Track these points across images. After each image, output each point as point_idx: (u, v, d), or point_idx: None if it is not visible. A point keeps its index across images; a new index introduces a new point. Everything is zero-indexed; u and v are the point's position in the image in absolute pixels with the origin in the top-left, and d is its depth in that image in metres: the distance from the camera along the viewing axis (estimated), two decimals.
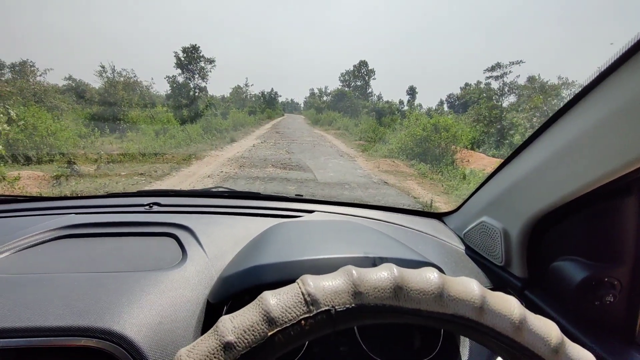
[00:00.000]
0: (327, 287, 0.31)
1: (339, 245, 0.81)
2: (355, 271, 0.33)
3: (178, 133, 12.39)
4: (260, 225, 1.02)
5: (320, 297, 0.30)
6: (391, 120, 20.61)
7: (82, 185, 6.12)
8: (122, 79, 18.05)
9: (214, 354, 0.28)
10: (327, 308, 0.30)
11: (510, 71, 18.93)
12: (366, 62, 47.49)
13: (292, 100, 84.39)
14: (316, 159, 9.91)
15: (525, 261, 0.79)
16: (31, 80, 16.08)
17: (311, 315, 0.30)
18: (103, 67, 18.09)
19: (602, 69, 0.54)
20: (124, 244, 0.90)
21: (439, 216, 1.25)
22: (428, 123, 10.95)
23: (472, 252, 1.00)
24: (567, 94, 15.67)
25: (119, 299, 0.64)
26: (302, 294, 0.31)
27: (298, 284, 0.32)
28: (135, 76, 18.64)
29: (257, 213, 1.16)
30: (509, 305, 0.32)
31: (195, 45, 25.45)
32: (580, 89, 0.59)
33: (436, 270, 0.34)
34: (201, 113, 18.37)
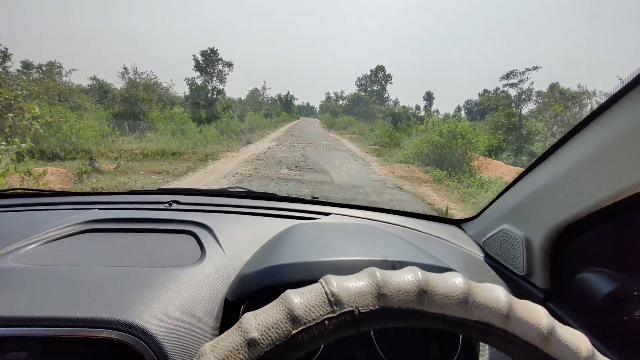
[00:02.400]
0: (351, 287, 0.31)
1: (357, 248, 0.80)
2: (379, 273, 0.32)
3: (195, 134, 12.60)
4: (277, 225, 1.03)
5: (344, 298, 0.30)
6: (407, 126, 20.44)
7: (102, 182, 6.28)
8: (143, 80, 18.49)
9: (238, 349, 0.28)
10: (350, 309, 0.30)
11: (527, 78, 18.49)
12: (383, 67, 47.42)
13: (307, 103, 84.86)
14: (331, 163, 9.91)
15: (548, 271, 0.77)
16: (57, 80, 16.67)
17: (335, 315, 0.29)
18: (125, 68, 18.60)
19: (635, 75, 0.52)
20: (144, 240, 0.92)
21: (457, 222, 1.23)
22: (445, 129, 10.81)
23: (491, 260, 0.98)
24: (588, 102, 15.23)
25: (141, 294, 0.66)
26: (326, 293, 0.31)
27: (321, 283, 0.32)
28: (155, 77, 19.08)
29: (274, 214, 1.17)
30: (536, 314, 0.31)
31: (214, 48, 25.83)
32: (609, 97, 0.58)
33: (461, 275, 0.33)
34: (218, 115, 18.65)
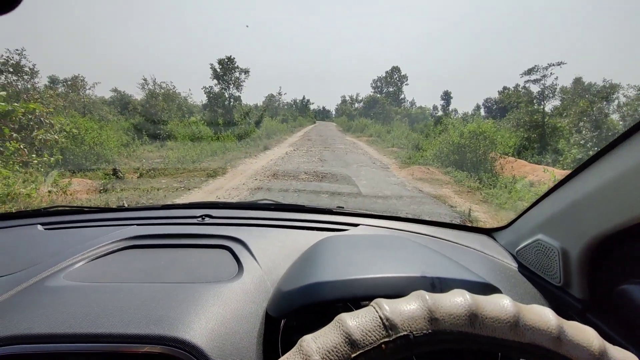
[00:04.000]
0: (404, 312, 0.32)
1: (394, 263, 0.80)
2: (428, 297, 0.33)
3: (213, 142, 12.81)
4: (308, 238, 1.04)
5: (398, 322, 0.31)
6: (424, 126, 20.16)
7: (126, 193, 6.45)
8: (162, 90, 18.98)
9: None
10: (405, 333, 0.31)
11: (550, 73, 17.84)
12: (399, 68, 47.12)
13: (323, 107, 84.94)
14: (348, 167, 9.86)
15: (586, 282, 0.77)
16: (81, 93, 17.33)
17: (391, 339, 0.31)
18: (145, 79, 19.15)
19: None
20: (182, 256, 0.96)
21: (488, 232, 1.21)
22: (466, 130, 10.58)
23: (526, 271, 0.96)
24: (615, 97, 14.57)
25: (187, 310, 0.69)
26: (380, 318, 0.32)
27: (374, 307, 0.33)
28: (174, 87, 19.54)
29: (304, 226, 1.18)
30: (587, 335, 0.32)
31: (231, 56, 26.32)
32: None
33: (509, 297, 0.34)
34: (236, 122, 18.92)
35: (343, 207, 1.38)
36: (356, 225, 1.21)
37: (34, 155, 6.67)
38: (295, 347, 0.32)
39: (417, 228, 1.21)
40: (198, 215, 1.23)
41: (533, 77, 18.23)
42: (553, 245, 0.83)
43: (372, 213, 1.32)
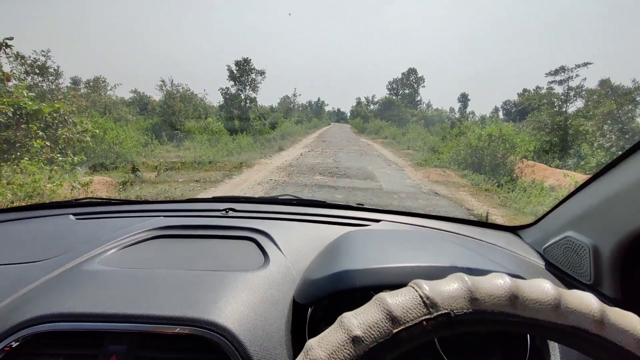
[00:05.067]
0: (444, 291, 0.33)
1: (422, 254, 0.80)
2: (467, 278, 0.34)
3: (229, 142, 12.95)
4: (330, 232, 1.06)
5: (438, 301, 0.32)
6: (440, 129, 19.88)
7: (145, 190, 6.58)
8: (179, 91, 19.32)
9: (343, 345, 0.30)
10: (446, 311, 0.32)
11: (576, 74, 17.25)
12: (415, 70, 46.70)
13: (338, 109, 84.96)
14: (364, 168, 9.82)
15: (618, 281, 0.75)
16: (102, 94, 17.82)
17: (432, 317, 0.31)
18: (163, 81, 19.56)
19: None
20: (209, 245, 0.99)
21: (513, 229, 1.19)
22: (484, 133, 10.38)
23: (554, 269, 0.95)
24: None
25: (218, 295, 0.72)
26: (421, 296, 0.32)
27: (413, 287, 0.34)
28: (189, 89, 19.87)
29: (326, 221, 1.19)
30: (630, 321, 0.31)
31: (247, 58, 26.57)
32: None
33: (549, 281, 0.34)
34: (251, 123, 19.09)
35: (363, 204, 1.38)
36: (378, 220, 1.21)
37: (58, 155, 6.89)
38: (335, 323, 0.33)
39: (440, 225, 1.20)
40: (222, 208, 1.25)
41: (558, 77, 17.70)
42: (583, 242, 0.81)
43: (394, 209, 1.32)
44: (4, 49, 6.29)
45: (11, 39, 6.29)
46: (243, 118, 20.99)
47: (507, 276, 0.34)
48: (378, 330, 0.31)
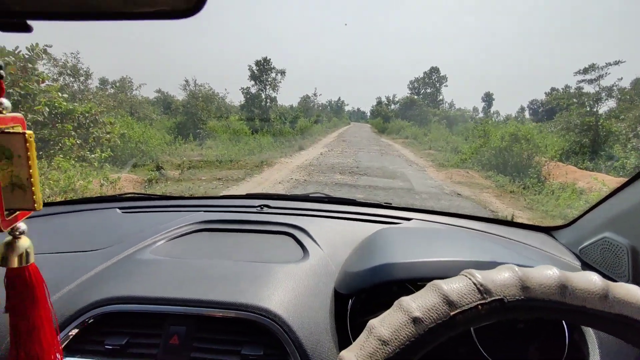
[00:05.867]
0: (496, 279, 0.35)
1: (460, 250, 0.81)
2: (517, 268, 0.36)
3: (250, 141, 13.11)
4: (364, 228, 1.08)
5: (491, 288, 0.34)
6: (463, 129, 19.44)
7: (169, 188, 6.75)
8: (202, 91, 19.69)
9: (405, 325, 0.33)
10: (500, 297, 0.34)
11: (607, 73, 16.43)
12: (438, 69, 45.80)
13: (358, 109, 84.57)
14: (384, 168, 9.72)
15: None
16: (128, 94, 18.40)
17: (486, 302, 0.34)
18: (187, 81, 19.99)
19: None
20: (248, 239, 1.04)
21: (547, 230, 1.18)
22: (506, 133, 10.07)
23: (590, 269, 0.90)
24: None
25: (264, 284, 0.77)
26: (474, 284, 0.35)
27: (466, 275, 0.36)
28: (212, 89, 20.22)
29: (357, 218, 1.21)
30: None
31: (267, 58, 26.85)
32: None
33: (596, 273, 0.36)
34: (272, 122, 19.26)
35: (391, 203, 1.39)
36: (409, 219, 1.22)
37: (88, 152, 7.18)
38: (394, 306, 0.35)
39: (472, 224, 1.20)
40: (256, 205, 1.29)
41: (588, 76, 16.93)
42: (621, 243, 0.82)
43: (424, 208, 1.33)
44: (43, 55, 6.60)
45: (50, 46, 6.61)
46: (263, 117, 21.18)
47: (554, 267, 0.36)
48: (436, 313, 0.33)
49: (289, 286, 0.78)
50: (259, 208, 1.27)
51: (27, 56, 6.23)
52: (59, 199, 4.62)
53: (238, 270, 0.82)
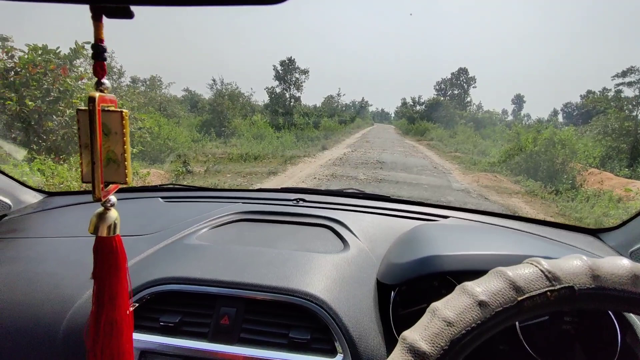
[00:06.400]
0: (565, 267, 0.35)
1: (507, 245, 0.80)
2: (586, 257, 0.36)
3: (273, 140, 13.26)
4: (401, 224, 1.09)
5: (560, 275, 0.34)
6: (492, 132, 18.88)
7: (196, 184, 6.92)
8: (228, 90, 20.10)
9: (470, 308, 0.33)
10: (569, 285, 0.33)
11: None
12: (466, 69, 44.69)
13: (382, 110, 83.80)
14: (408, 170, 9.59)
15: None
16: (158, 92, 19.02)
17: (555, 288, 0.33)
18: (214, 80, 20.49)
19: None
20: (288, 230, 1.06)
21: (593, 232, 1.14)
22: (540, 136, 9.70)
23: None
24: None
25: (309, 272, 0.79)
26: (542, 271, 0.35)
27: (532, 263, 0.36)
28: (237, 87, 20.61)
29: (393, 214, 1.21)
30: None
31: (292, 58, 27.09)
32: None
33: None
34: (295, 122, 19.41)
35: (423, 202, 1.38)
36: (446, 217, 1.20)
37: None
38: (457, 290, 0.36)
39: (512, 223, 1.17)
40: (292, 198, 1.31)
41: (628, 79, 16.08)
42: None
43: (461, 206, 1.31)
44: (81, 52, 6.93)
45: (88, 43, 6.92)
46: (287, 117, 21.38)
47: (624, 258, 0.36)
48: (503, 297, 0.33)
49: (333, 275, 0.79)
50: (294, 201, 1.29)
51: (67, 54, 6.54)
52: None
53: (282, 257, 0.85)
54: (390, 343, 0.68)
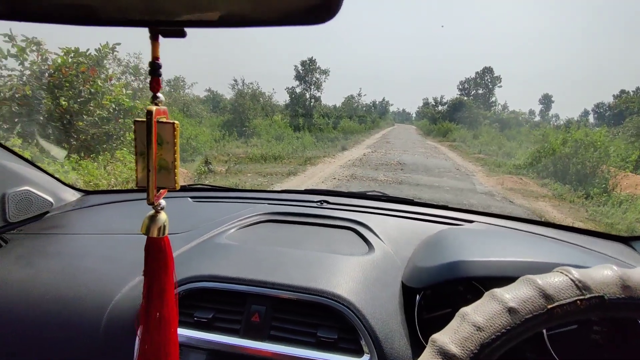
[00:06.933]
0: (595, 277, 0.35)
1: (537, 252, 0.79)
2: (616, 267, 0.36)
3: (293, 140, 13.35)
4: (425, 228, 1.09)
5: (590, 284, 0.35)
6: (517, 133, 18.32)
7: (217, 183, 7.08)
8: (249, 90, 20.38)
9: (500, 314, 0.34)
10: (600, 294, 0.34)
11: None
12: (491, 69, 43.57)
13: (403, 110, 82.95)
14: (429, 171, 9.46)
15: None
16: (181, 92, 19.48)
17: (585, 297, 0.34)
18: (235, 80, 20.83)
19: None
20: (313, 232, 1.08)
21: (625, 240, 1.11)
22: (570, 137, 9.34)
23: None
24: None
25: (336, 273, 0.80)
26: (572, 280, 0.35)
27: (562, 272, 0.37)
28: (259, 87, 20.85)
29: (417, 218, 1.21)
30: None
31: (312, 58, 27.19)
32: None
33: None
34: (315, 122, 19.48)
35: (447, 205, 1.37)
36: (471, 221, 1.19)
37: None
38: (486, 297, 0.37)
39: (539, 229, 1.14)
40: (316, 200, 1.33)
41: None
42: None
43: (486, 211, 1.30)
44: (110, 54, 7.22)
45: (118, 44, 7.20)
46: (307, 117, 21.48)
47: None
48: (532, 305, 0.34)
49: (359, 277, 0.80)
50: (318, 203, 1.30)
51: (95, 55, 6.81)
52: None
53: (309, 259, 0.86)
54: (416, 346, 0.69)
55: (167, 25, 0.37)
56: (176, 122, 0.40)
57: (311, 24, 0.36)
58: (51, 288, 0.84)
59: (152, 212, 0.43)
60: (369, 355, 0.67)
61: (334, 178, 7.83)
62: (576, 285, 0.35)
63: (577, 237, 1.10)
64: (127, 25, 0.37)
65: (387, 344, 0.67)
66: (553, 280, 0.36)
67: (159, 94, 0.39)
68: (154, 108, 0.37)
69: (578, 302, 0.34)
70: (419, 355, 0.70)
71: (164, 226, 0.44)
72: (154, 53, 0.38)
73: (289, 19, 0.36)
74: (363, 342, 0.68)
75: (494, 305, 0.35)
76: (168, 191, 0.45)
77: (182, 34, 0.37)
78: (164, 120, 0.39)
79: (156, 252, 0.44)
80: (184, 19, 0.37)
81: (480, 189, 7.71)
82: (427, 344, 0.70)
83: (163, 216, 0.43)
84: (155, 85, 0.39)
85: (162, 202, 0.43)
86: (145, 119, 0.38)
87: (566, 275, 0.36)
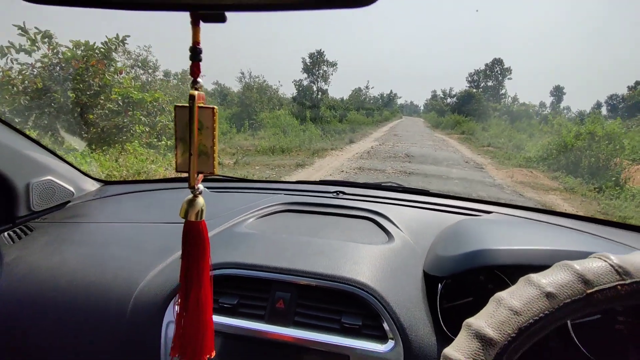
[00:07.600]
0: (635, 262, 0.35)
1: (561, 241, 0.78)
2: None
3: (300, 133, 13.33)
4: (443, 218, 1.08)
5: (632, 270, 0.34)
6: (528, 125, 18.04)
7: (227, 175, 7.09)
8: (256, 83, 20.34)
9: (537, 298, 0.34)
10: None
11: None
12: (501, 60, 42.77)
13: (411, 102, 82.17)
14: (438, 164, 9.39)
15: None
16: (189, 85, 19.53)
17: (626, 283, 0.34)
18: (243, 73, 20.81)
19: None
20: (331, 221, 1.08)
21: None
22: (583, 129, 9.17)
23: None
24: None
25: (358, 261, 0.81)
26: (611, 265, 0.35)
27: (600, 258, 0.36)
28: (265, 80, 20.80)
29: (434, 208, 1.20)
30: None
31: (320, 50, 27.01)
32: None
33: None
34: (322, 115, 19.39)
35: (463, 196, 1.36)
36: (489, 212, 1.18)
37: (155, 140, 7.79)
38: (521, 282, 0.36)
39: (557, 220, 1.13)
40: (332, 190, 1.33)
41: None
42: None
43: (504, 202, 1.28)
44: (120, 46, 7.23)
45: (128, 36, 7.21)
46: (314, 109, 21.39)
47: None
48: (571, 290, 0.34)
49: (381, 265, 0.81)
50: (334, 194, 1.31)
51: (104, 48, 6.82)
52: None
53: (331, 247, 0.87)
54: (439, 333, 0.70)
55: (208, 9, 0.37)
56: (215, 107, 0.40)
57: (357, 6, 0.35)
58: (79, 274, 0.86)
59: (190, 196, 0.44)
60: (393, 341, 0.67)
61: (342, 171, 7.81)
62: (616, 270, 0.34)
63: (597, 228, 1.09)
64: (167, 9, 0.37)
65: (412, 331, 0.68)
66: (592, 266, 0.35)
67: (199, 79, 0.39)
68: (196, 93, 0.38)
69: (619, 287, 0.34)
70: (443, 343, 0.70)
71: (202, 210, 0.44)
72: (194, 38, 0.38)
73: (334, 0, 0.36)
74: (387, 329, 0.68)
75: (531, 290, 0.35)
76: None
77: (223, 19, 0.37)
78: (202, 104, 0.40)
79: (194, 236, 0.45)
80: (225, 3, 0.37)
81: (490, 182, 7.64)
82: (449, 332, 0.70)
83: (201, 200, 0.44)
84: (195, 70, 0.39)
85: (201, 186, 0.44)
86: (186, 105, 0.38)
87: (605, 260, 0.36)
